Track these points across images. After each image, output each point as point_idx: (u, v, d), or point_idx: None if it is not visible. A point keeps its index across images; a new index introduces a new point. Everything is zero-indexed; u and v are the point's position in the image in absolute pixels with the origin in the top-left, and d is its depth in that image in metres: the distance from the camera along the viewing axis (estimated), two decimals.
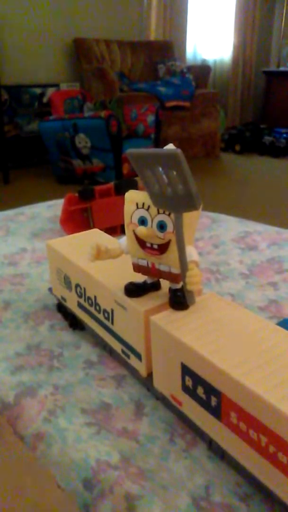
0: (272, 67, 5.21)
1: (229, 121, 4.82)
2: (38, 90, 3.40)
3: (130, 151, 0.38)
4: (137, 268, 0.48)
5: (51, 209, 1.13)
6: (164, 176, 0.39)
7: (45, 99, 3.44)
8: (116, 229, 0.94)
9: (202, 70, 3.99)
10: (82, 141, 2.88)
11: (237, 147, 4.08)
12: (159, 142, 3.22)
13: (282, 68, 4.99)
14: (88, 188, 0.92)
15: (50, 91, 3.39)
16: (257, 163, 3.71)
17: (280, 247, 0.89)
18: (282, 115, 4.72)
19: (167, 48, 3.95)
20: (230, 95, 4.84)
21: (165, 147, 0.40)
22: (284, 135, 4.00)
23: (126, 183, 0.93)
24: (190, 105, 3.62)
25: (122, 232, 0.93)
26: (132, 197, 0.45)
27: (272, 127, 4.30)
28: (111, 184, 0.95)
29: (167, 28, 4.10)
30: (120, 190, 0.93)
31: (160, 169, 0.38)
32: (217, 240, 0.92)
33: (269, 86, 4.88)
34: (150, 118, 3.17)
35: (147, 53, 3.85)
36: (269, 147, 3.96)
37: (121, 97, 3.28)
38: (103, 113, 2.75)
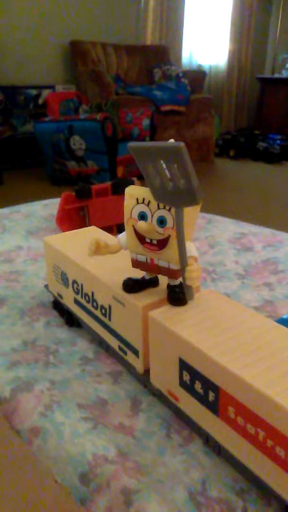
0: (267, 74, 5.26)
1: (223, 127, 4.85)
2: (33, 92, 3.40)
3: (132, 144, 0.38)
4: (136, 263, 0.48)
5: (47, 207, 1.13)
6: (166, 170, 0.39)
7: (40, 101, 3.44)
8: (112, 229, 0.94)
9: (198, 75, 4.02)
10: (77, 143, 2.89)
11: (232, 153, 4.11)
12: None
13: (276, 75, 5.04)
14: (85, 187, 0.92)
15: (46, 93, 3.39)
16: (251, 168, 3.74)
17: (276, 248, 0.89)
18: (276, 122, 4.76)
19: (163, 52, 3.97)
20: (225, 100, 4.88)
21: (167, 142, 0.40)
22: (278, 142, 4.04)
23: (123, 183, 0.93)
24: (185, 109, 3.64)
25: (118, 231, 0.93)
26: (132, 192, 0.45)
27: (266, 133, 4.34)
28: (108, 184, 0.95)
29: (163, 32, 4.12)
30: (117, 190, 0.93)
31: (162, 163, 0.38)
32: (213, 241, 0.93)
33: (264, 93, 4.93)
34: (145, 121, 3.18)
35: (143, 57, 3.87)
36: (263, 153, 3.99)
37: (117, 100, 3.29)
38: (98, 116, 2.75)
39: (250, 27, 4.86)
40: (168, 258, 0.45)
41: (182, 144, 0.35)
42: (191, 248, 0.44)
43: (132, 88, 3.63)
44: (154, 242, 0.45)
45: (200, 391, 0.41)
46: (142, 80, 3.87)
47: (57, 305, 0.67)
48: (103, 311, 0.54)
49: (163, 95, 3.57)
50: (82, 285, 0.57)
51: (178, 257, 0.43)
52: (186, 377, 0.42)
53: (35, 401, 0.49)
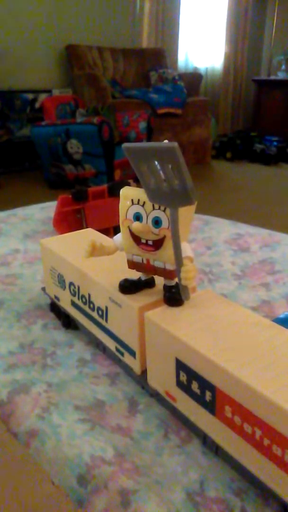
0: (263, 76, 5.27)
1: (220, 129, 4.85)
2: (30, 96, 3.41)
3: (127, 144, 0.38)
4: (132, 264, 0.48)
5: (44, 211, 1.13)
6: (160, 171, 0.39)
7: (37, 105, 3.44)
8: (109, 231, 0.94)
9: (194, 78, 4.02)
10: (74, 147, 2.89)
11: (228, 155, 4.11)
12: None
13: (272, 77, 5.05)
14: (82, 189, 0.92)
15: (43, 97, 3.39)
16: (247, 170, 3.74)
17: (272, 249, 0.89)
18: (272, 123, 4.77)
19: (159, 55, 3.98)
20: (221, 103, 4.88)
21: (161, 142, 0.40)
22: (275, 143, 4.04)
23: (120, 185, 0.93)
24: (181, 112, 3.65)
25: (115, 233, 0.93)
26: (128, 193, 0.46)
27: (262, 135, 4.34)
28: (104, 186, 0.95)
29: (159, 35, 4.14)
30: (113, 192, 0.93)
31: (156, 163, 0.39)
32: (209, 242, 0.93)
33: (260, 95, 4.93)
34: (142, 124, 3.18)
35: (139, 60, 3.88)
36: (259, 155, 4.00)
37: (113, 104, 3.29)
38: (95, 119, 2.76)
39: (246, 29, 4.88)
40: (163, 258, 0.45)
41: (175, 144, 0.35)
42: (187, 249, 0.44)
43: (129, 91, 3.64)
44: (150, 242, 0.45)
45: (197, 391, 0.41)
46: (138, 83, 3.88)
47: (54, 308, 0.67)
48: (100, 312, 0.54)
49: (159, 98, 3.58)
50: (78, 287, 0.57)
51: (174, 258, 0.43)
52: (183, 377, 0.42)
53: (32, 404, 0.48)
